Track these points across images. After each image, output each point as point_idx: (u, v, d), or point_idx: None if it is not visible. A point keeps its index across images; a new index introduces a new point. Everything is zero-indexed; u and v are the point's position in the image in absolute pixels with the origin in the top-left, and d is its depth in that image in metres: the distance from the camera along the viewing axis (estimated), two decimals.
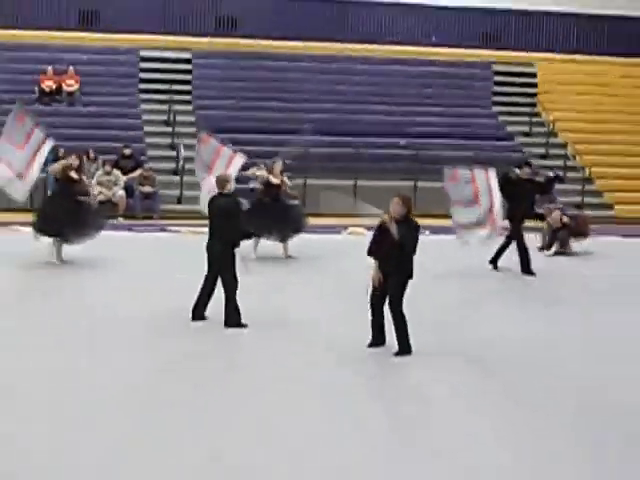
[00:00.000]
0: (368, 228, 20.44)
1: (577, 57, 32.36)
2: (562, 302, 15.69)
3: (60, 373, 10.61)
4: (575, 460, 8.60)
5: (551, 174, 20.74)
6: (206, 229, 17.89)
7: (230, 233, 13.67)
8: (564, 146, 29.87)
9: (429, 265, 14.83)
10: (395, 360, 11.83)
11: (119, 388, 10.33)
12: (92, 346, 12.25)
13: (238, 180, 18.27)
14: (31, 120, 18.06)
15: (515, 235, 17.61)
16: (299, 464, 8.36)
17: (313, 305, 14.84)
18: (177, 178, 26.22)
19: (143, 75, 30.08)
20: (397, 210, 11.49)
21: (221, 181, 14.08)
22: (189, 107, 29.39)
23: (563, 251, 21.01)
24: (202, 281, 13.78)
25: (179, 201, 25.86)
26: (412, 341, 11.80)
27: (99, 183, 25.03)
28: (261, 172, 19.45)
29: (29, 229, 18.23)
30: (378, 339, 12.20)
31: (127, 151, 25.84)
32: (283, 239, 18.92)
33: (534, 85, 31.99)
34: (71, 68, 28.74)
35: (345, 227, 21.87)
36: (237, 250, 14.01)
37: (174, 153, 27.27)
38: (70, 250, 18.15)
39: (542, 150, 29.43)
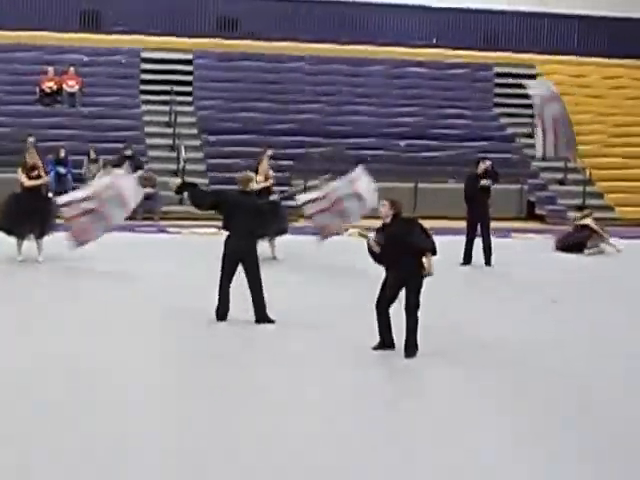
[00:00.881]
0: (367, 229, 20.69)
1: (579, 59, 32.58)
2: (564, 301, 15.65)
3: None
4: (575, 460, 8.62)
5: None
6: (206, 230, 17.89)
7: (258, 230, 13.90)
8: None
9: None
10: (405, 362, 11.83)
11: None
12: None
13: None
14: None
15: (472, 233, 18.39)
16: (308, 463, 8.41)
17: (323, 304, 14.75)
18: (177, 179, 26.02)
19: (144, 76, 30.14)
20: (385, 212, 11.76)
21: (244, 180, 14.06)
22: (190, 108, 29.46)
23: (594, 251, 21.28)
24: (220, 280, 13.70)
25: (180, 202, 25.03)
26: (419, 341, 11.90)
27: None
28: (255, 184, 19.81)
29: None
30: (387, 341, 12.19)
31: (128, 152, 25.65)
32: (270, 239, 19.00)
33: None
34: (72, 69, 28.78)
35: (346, 229, 21.68)
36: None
37: (175, 154, 27.37)
38: (67, 253, 18.10)
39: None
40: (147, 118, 29.06)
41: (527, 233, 24.27)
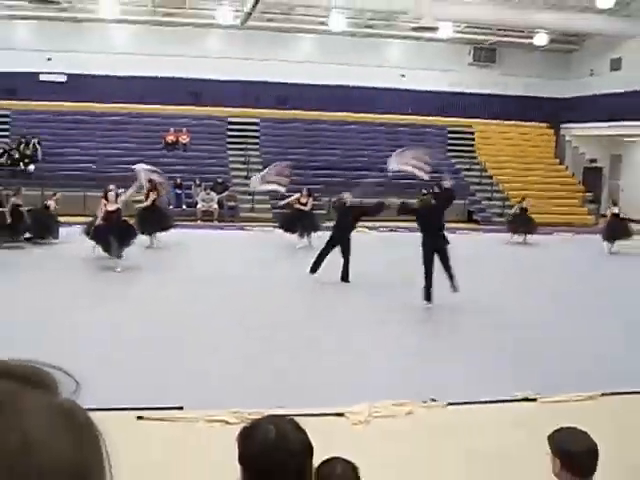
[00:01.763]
0: (370, 229, 21.25)
1: (499, 122, 31.77)
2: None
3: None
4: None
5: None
6: (269, 228, 18.78)
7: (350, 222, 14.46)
8: (491, 177, 29.95)
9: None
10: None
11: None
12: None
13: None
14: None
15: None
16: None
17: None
18: (250, 197, 26.51)
19: (229, 133, 29.89)
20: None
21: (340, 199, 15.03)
22: (257, 152, 29.18)
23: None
24: (323, 247, 14.31)
25: (251, 210, 26.24)
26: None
27: (202, 200, 25.63)
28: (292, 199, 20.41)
29: None
30: (430, 295, 11.88)
31: (219, 180, 26.43)
32: (308, 234, 19.53)
33: (473, 139, 31.78)
34: (184, 128, 28.98)
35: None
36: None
37: (248, 181, 26.33)
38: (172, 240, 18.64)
39: (477, 180, 29.64)
40: (231, 159, 29.04)
41: (467, 231, 23.85)
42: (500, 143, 32.00)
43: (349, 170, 28.13)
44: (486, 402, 7.64)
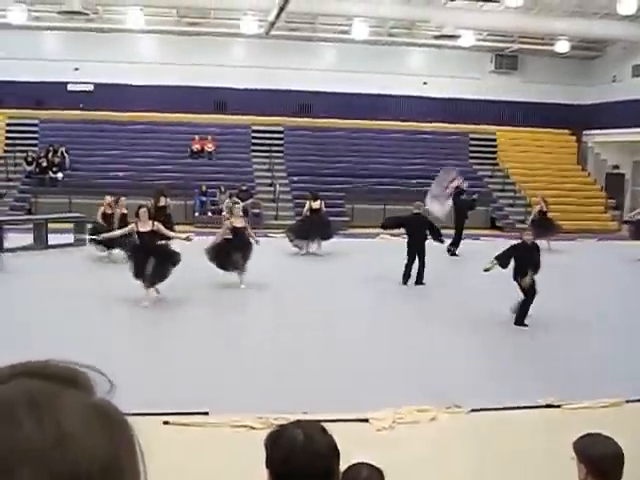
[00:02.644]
0: (392, 235, 21.19)
1: (521, 129, 31.59)
2: None
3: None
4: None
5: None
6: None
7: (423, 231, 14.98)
8: (513, 184, 29.87)
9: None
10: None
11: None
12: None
13: None
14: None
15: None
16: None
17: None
18: (274, 204, 26.81)
19: (254, 140, 30.04)
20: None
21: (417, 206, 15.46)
22: (282, 160, 29.48)
23: None
24: (407, 259, 14.73)
25: (275, 218, 26.22)
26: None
27: (227, 207, 25.92)
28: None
29: None
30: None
31: (244, 187, 26.34)
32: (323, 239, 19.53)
33: (495, 146, 31.67)
34: (209, 137, 29.14)
35: (377, 234, 21.22)
36: None
37: (272, 188, 27.84)
38: None
39: (500, 187, 29.56)
40: (255, 166, 29.16)
41: (490, 237, 23.61)
42: (522, 150, 31.87)
43: (371, 177, 28.41)
44: (510, 408, 7.60)
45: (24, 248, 17.23)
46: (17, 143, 27.95)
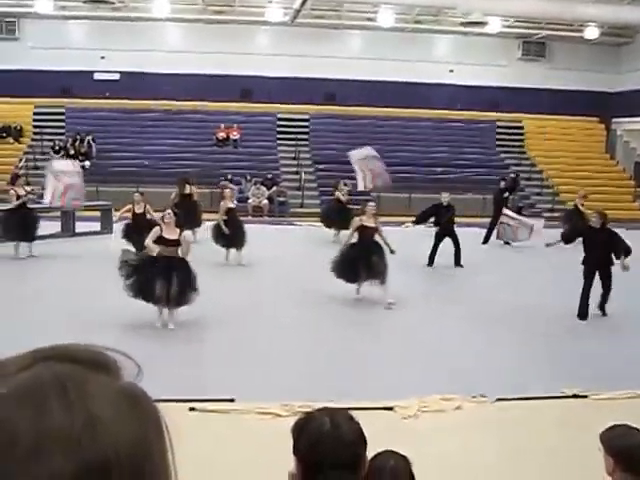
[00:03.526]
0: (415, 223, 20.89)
1: (548, 116, 31.37)
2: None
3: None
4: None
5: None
6: (314, 223, 18.59)
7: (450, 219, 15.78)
8: (540, 172, 29.88)
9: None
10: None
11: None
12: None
13: None
14: None
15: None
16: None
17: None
18: (299, 192, 26.90)
19: (279, 129, 30.16)
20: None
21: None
22: (307, 149, 29.57)
23: None
24: (433, 243, 15.35)
25: (301, 206, 26.33)
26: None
27: (253, 195, 25.75)
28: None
29: None
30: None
31: (269, 176, 26.59)
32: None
33: (522, 134, 31.61)
34: (235, 125, 29.26)
35: (402, 223, 21.01)
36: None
37: (298, 177, 27.88)
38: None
39: (527, 175, 29.23)
40: (281, 155, 29.27)
41: None
42: (550, 138, 31.68)
43: (397, 165, 27.74)
44: (535, 398, 7.55)
45: (52, 236, 17.38)
46: (44, 132, 28.23)
